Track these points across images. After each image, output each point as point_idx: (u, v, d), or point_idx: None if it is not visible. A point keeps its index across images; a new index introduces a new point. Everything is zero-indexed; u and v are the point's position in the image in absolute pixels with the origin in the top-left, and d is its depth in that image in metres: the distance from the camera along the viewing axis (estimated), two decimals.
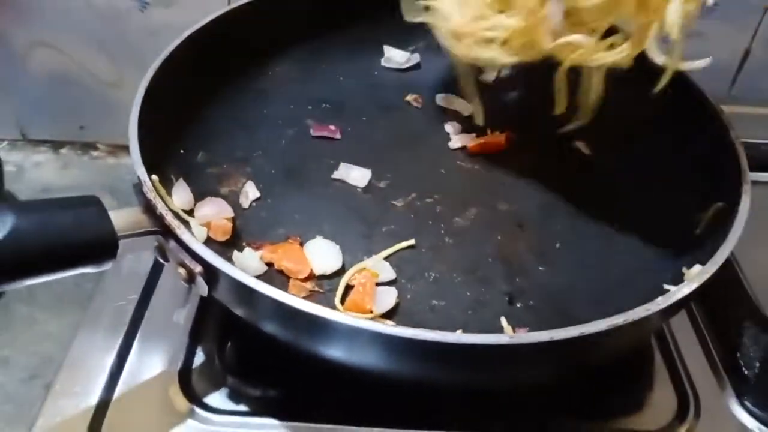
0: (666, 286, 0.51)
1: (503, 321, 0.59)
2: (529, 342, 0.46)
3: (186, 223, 0.60)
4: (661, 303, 0.49)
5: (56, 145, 0.97)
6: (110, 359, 0.62)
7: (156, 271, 0.70)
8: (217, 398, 0.60)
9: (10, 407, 0.64)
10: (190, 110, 0.70)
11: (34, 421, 0.58)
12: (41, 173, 0.93)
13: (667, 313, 0.51)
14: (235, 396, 0.60)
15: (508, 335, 0.47)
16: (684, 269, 0.56)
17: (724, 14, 0.83)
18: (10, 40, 0.87)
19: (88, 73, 0.90)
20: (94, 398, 0.59)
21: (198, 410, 0.59)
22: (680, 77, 0.64)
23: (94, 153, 0.97)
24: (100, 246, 0.49)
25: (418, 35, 0.76)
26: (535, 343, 0.46)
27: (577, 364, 0.54)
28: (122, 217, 0.51)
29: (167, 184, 0.61)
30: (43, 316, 0.72)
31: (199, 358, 0.63)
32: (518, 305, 0.61)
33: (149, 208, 0.53)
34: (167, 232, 0.52)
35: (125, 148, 0.94)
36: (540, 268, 0.64)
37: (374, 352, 0.49)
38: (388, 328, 0.47)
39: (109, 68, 0.89)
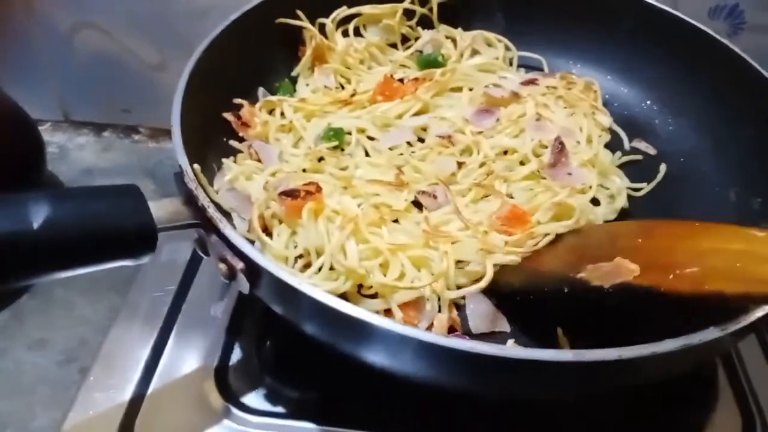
0: None
1: (558, 330, 0.55)
2: (594, 360, 0.42)
3: (229, 216, 0.57)
4: (740, 321, 0.45)
5: (98, 128, 0.96)
6: (146, 352, 0.61)
7: (194, 261, 0.68)
8: (254, 398, 0.58)
9: (46, 389, 0.63)
10: (233, 96, 0.67)
11: (66, 414, 0.57)
12: (83, 155, 0.92)
13: (744, 333, 0.47)
14: (272, 397, 0.58)
15: (572, 352, 0.44)
16: None
17: None
18: (55, 21, 0.86)
19: (132, 56, 0.88)
20: (128, 392, 0.58)
21: (234, 410, 0.57)
22: None
23: (136, 136, 0.96)
24: (139, 238, 0.47)
25: None
26: (602, 361, 0.42)
27: (638, 383, 0.50)
28: (162, 208, 0.48)
29: (208, 174, 0.58)
30: (80, 300, 0.71)
31: (237, 354, 0.61)
32: (574, 311, 0.57)
33: (190, 199, 0.50)
34: (208, 226, 0.49)
35: (167, 133, 0.91)
36: None
37: (422, 362, 0.46)
38: (441, 339, 0.43)
39: (153, 51, 0.88)
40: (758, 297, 0.47)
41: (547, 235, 0.58)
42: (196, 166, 0.53)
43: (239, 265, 0.48)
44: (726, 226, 0.53)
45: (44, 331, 0.68)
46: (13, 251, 0.42)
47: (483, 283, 0.56)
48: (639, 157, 0.70)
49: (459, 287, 0.56)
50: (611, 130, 0.71)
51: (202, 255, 0.53)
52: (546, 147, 0.64)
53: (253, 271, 0.48)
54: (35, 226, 0.43)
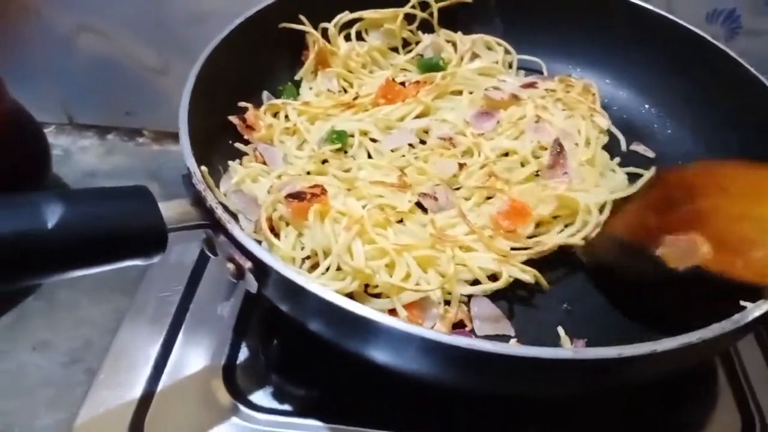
0: (743, 303, 0.48)
1: (560, 331, 0.56)
2: (594, 358, 0.43)
3: (235, 217, 0.58)
4: (738, 320, 0.46)
5: (102, 131, 0.96)
6: (155, 351, 0.61)
7: (201, 262, 0.69)
8: (261, 396, 0.59)
9: (51, 391, 0.64)
10: (238, 99, 0.69)
11: (77, 411, 0.58)
12: (87, 158, 0.93)
13: (743, 332, 0.48)
14: (279, 394, 0.59)
15: (571, 350, 0.44)
16: None
17: None
18: (57, 25, 0.86)
19: (134, 59, 0.89)
20: (138, 390, 0.59)
21: (242, 407, 0.58)
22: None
23: (140, 139, 0.96)
24: (150, 238, 0.48)
25: None
26: (602, 359, 0.43)
27: (638, 382, 0.51)
28: (171, 209, 0.49)
29: (214, 176, 0.59)
30: (85, 302, 0.72)
31: (244, 353, 0.62)
32: (577, 314, 0.58)
33: (198, 201, 0.51)
34: (217, 226, 0.50)
35: (170, 135, 0.94)
36: None
37: (425, 359, 0.47)
38: (443, 336, 0.44)
39: (154, 55, 0.88)
40: None
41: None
42: (203, 168, 0.54)
43: (247, 264, 0.49)
44: None
45: (49, 333, 0.69)
46: (28, 250, 0.43)
47: (501, 283, 0.57)
48: (637, 169, 0.69)
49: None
50: (609, 133, 0.72)
51: (211, 255, 0.53)
52: (545, 149, 0.65)
53: (261, 270, 0.49)
54: (49, 225, 0.43)
